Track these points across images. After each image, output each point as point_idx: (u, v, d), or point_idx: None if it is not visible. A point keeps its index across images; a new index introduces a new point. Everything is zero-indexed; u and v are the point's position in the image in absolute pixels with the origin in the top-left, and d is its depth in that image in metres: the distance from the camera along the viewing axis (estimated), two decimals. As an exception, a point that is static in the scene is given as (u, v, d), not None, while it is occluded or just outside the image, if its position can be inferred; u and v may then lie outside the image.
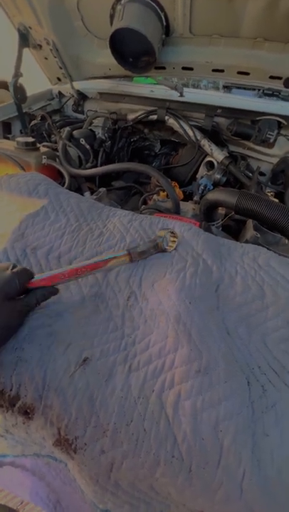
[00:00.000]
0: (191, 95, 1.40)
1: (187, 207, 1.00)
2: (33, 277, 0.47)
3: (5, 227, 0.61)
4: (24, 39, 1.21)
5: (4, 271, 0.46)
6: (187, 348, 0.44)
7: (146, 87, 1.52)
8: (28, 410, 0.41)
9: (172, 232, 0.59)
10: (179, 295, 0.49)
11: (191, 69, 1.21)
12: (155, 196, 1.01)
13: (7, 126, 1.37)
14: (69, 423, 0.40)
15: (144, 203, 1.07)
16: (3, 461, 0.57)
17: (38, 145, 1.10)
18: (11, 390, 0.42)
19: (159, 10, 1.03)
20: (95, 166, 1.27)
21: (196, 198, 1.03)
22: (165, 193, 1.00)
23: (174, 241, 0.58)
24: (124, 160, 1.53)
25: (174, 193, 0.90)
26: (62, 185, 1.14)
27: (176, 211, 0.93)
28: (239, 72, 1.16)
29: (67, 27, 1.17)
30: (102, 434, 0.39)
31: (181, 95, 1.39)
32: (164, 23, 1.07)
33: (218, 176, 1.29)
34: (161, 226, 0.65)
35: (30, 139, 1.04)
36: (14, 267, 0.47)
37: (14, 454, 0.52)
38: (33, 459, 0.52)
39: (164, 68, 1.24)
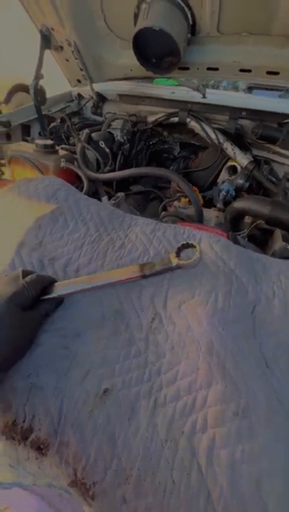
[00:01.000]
0: (214, 97, 1.34)
1: (210, 214, 0.94)
2: (45, 286, 0.46)
3: (22, 234, 0.57)
4: (46, 41, 1.20)
5: (16, 280, 0.44)
6: (222, 384, 0.38)
7: (167, 88, 1.48)
8: (42, 446, 0.37)
9: (193, 245, 0.52)
10: (210, 320, 0.44)
11: (216, 69, 1.15)
12: (176, 203, 0.96)
13: (26, 129, 1.36)
14: (87, 465, 0.35)
15: (164, 209, 1.02)
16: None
17: (57, 148, 1.08)
18: (23, 421, 0.38)
19: (186, 8, 0.98)
20: (113, 170, 1.24)
21: (219, 205, 0.97)
22: (186, 199, 0.95)
23: (196, 255, 0.51)
24: (142, 163, 1.49)
25: (196, 200, 0.85)
26: (80, 190, 1.11)
27: (199, 219, 0.87)
28: (268, 72, 1.09)
29: (89, 27, 1.15)
30: (124, 480, 0.34)
31: (204, 97, 1.34)
32: (191, 22, 1.02)
33: (240, 181, 1.22)
34: (186, 237, 0.60)
35: (49, 142, 1.02)
36: (26, 274, 0.45)
37: (25, 483, 0.48)
38: (45, 489, 0.48)
39: (187, 69, 1.19)
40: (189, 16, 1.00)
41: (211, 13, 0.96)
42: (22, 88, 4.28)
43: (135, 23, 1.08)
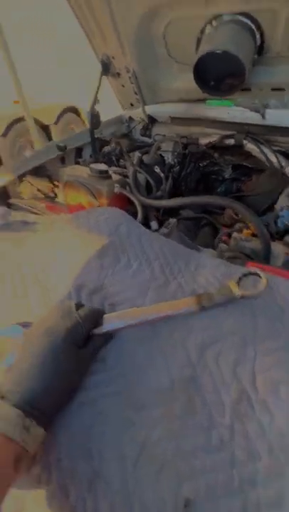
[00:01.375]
0: (275, 117, 1.24)
1: (277, 249, 0.83)
2: (98, 322, 0.44)
3: (83, 274, 0.53)
4: (106, 69, 1.23)
5: (70, 313, 0.42)
6: None
7: (222, 109, 1.42)
8: None
9: (256, 274, 0.46)
10: None
11: (282, 89, 1.07)
12: (236, 234, 0.87)
13: (78, 151, 1.40)
14: None
15: (222, 240, 0.93)
16: None
17: (110, 172, 1.07)
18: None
19: (255, 29, 0.92)
20: (162, 193, 1.19)
21: (287, 238, 0.85)
22: (249, 232, 0.85)
23: (262, 284, 0.44)
24: (191, 185, 1.43)
25: (267, 236, 0.75)
26: (132, 214, 1.08)
27: (267, 256, 0.77)
28: None
29: (149, 55, 1.15)
30: None
31: (263, 118, 1.25)
32: (259, 43, 0.96)
33: (304, 209, 1.09)
34: (264, 283, 0.50)
35: (104, 167, 1.01)
36: (79, 306, 0.44)
37: None
38: None
39: (248, 90, 1.13)
40: (258, 36, 0.94)
41: (285, 33, 0.89)
42: (70, 110, 4.61)
43: (197, 48, 1.06)
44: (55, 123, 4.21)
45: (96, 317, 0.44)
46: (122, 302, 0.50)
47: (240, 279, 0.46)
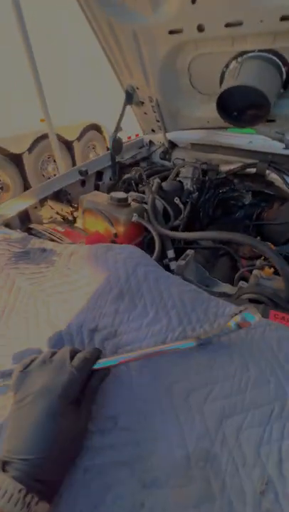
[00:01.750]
0: (300, 147, 1.22)
1: (301, 291, 0.78)
2: (92, 367, 0.42)
3: (97, 317, 0.52)
4: (129, 98, 1.26)
5: (63, 365, 0.40)
6: None
7: (243, 137, 1.41)
8: None
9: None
10: None
11: (308, 121, 1.04)
12: (256, 271, 0.83)
13: (98, 174, 1.43)
14: None
15: (242, 277, 0.89)
16: None
17: (130, 200, 1.08)
18: None
19: (282, 65, 0.92)
20: (182, 221, 1.18)
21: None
22: (271, 270, 0.81)
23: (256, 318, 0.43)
24: (209, 211, 1.41)
25: (291, 278, 0.71)
26: (148, 241, 1.07)
27: (291, 299, 0.72)
28: None
29: (173, 86, 1.17)
30: None
31: (287, 147, 1.23)
32: (285, 77, 0.95)
33: None
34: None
35: (124, 195, 1.01)
36: (73, 354, 0.42)
37: None
38: None
39: (273, 121, 1.11)
40: (284, 71, 0.94)
41: (312, 68, 0.88)
42: (93, 127, 4.80)
43: (221, 81, 1.06)
44: (78, 139, 4.39)
45: (93, 362, 0.42)
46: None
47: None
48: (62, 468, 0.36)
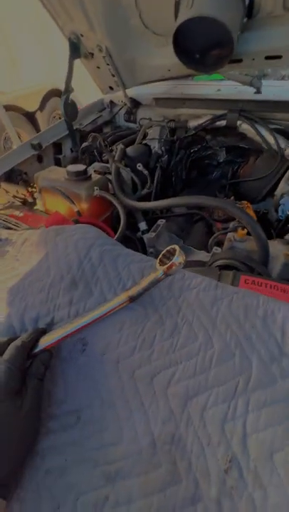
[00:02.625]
0: (273, 90, 1.10)
1: (276, 249, 0.75)
2: (31, 350, 0.40)
3: (51, 310, 0.47)
4: (75, 49, 1.08)
5: None
6: None
7: (211, 85, 1.27)
8: None
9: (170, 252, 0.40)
10: None
11: (278, 57, 0.92)
12: (230, 234, 0.78)
13: (57, 147, 1.28)
14: None
15: (217, 243, 0.84)
16: None
17: (89, 169, 0.97)
18: None
19: (243, -15, 0.77)
20: (150, 190, 1.09)
21: (288, 237, 0.77)
22: (244, 231, 0.76)
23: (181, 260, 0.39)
24: (182, 174, 1.31)
25: (264, 239, 0.67)
26: (117, 216, 1.00)
27: (264, 261, 0.69)
28: None
29: (122, 28, 1.00)
30: None
31: (258, 92, 1.11)
32: (247, 2, 0.81)
33: (308, 195, 0.99)
34: (262, 315, 0.44)
35: (81, 168, 0.91)
36: (8, 341, 0.39)
37: None
38: None
39: (240, 61, 0.98)
40: (247, -5, 0.79)
41: (278, -14, 0.74)
42: (56, 94, 4.30)
43: (176, 14, 0.90)
44: (40, 109, 3.96)
45: (28, 347, 0.39)
46: (95, 342, 0.44)
47: (161, 260, 0.41)
48: (10, 466, 0.34)
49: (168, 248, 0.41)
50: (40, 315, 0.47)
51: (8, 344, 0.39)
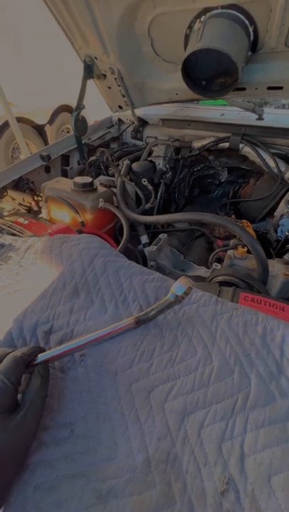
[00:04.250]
0: (274, 118, 1.16)
1: (274, 269, 0.76)
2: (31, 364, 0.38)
3: (51, 317, 0.47)
4: (89, 70, 1.15)
5: None
6: None
7: (215, 110, 1.34)
8: None
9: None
10: None
11: (279, 88, 0.98)
12: (230, 252, 0.80)
13: (65, 159, 1.32)
14: None
15: (218, 259, 0.86)
16: None
17: (96, 182, 1.00)
18: None
19: (248, 23, 0.84)
20: (153, 204, 1.12)
21: (287, 257, 0.78)
22: (244, 249, 0.78)
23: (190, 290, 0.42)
24: (184, 191, 1.35)
25: (263, 257, 0.68)
26: (120, 228, 1.01)
27: (264, 279, 0.70)
28: None
29: (134, 54, 1.07)
30: None
31: (260, 118, 1.17)
32: (252, 38, 0.87)
33: (307, 217, 1.01)
34: (262, 332, 0.44)
35: (88, 180, 0.94)
36: (6, 354, 0.37)
37: None
38: None
39: (243, 89, 1.04)
40: (251, 31, 0.86)
41: (280, 26, 0.81)
42: (65, 109, 4.47)
43: (186, 45, 0.97)
44: (50, 123, 4.10)
45: (26, 361, 0.37)
46: (94, 354, 0.44)
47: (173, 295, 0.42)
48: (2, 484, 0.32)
49: (182, 278, 0.43)
50: (39, 322, 0.47)
51: (4, 355, 0.37)
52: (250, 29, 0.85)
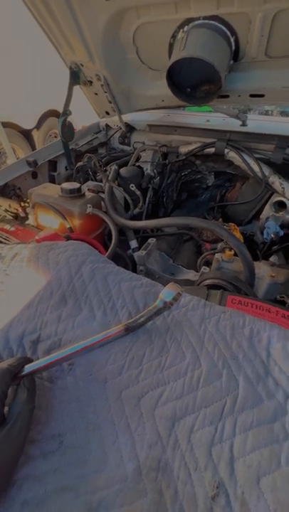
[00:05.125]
0: (257, 124, 1.20)
1: (262, 270, 0.78)
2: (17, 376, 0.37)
3: (38, 327, 0.46)
4: (75, 77, 1.15)
5: None
6: None
7: (201, 116, 1.37)
8: None
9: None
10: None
11: (261, 96, 1.01)
12: (218, 255, 0.81)
13: (53, 164, 1.32)
14: None
15: (206, 263, 0.87)
16: None
17: (83, 187, 1.00)
18: None
19: (229, 34, 0.86)
20: (142, 209, 1.13)
21: (273, 259, 0.80)
22: (232, 252, 0.79)
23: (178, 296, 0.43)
24: (172, 196, 1.37)
25: (250, 260, 0.69)
26: (108, 234, 1.01)
27: (251, 282, 0.71)
28: None
29: (120, 61, 1.08)
30: None
31: (244, 124, 1.20)
32: (234, 48, 0.90)
33: (289, 217, 1.05)
34: (249, 335, 0.45)
35: (76, 185, 0.94)
36: None
37: None
38: None
39: (226, 97, 1.07)
40: (233, 41, 0.88)
41: (260, 36, 0.84)
42: (53, 114, 4.45)
43: (170, 54, 0.99)
44: (37, 128, 4.07)
45: (13, 372, 0.36)
46: (83, 362, 0.43)
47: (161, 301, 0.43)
48: None
49: (171, 284, 0.43)
50: (26, 331, 0.46)
51: None
52: (232, 39, 0.88)
